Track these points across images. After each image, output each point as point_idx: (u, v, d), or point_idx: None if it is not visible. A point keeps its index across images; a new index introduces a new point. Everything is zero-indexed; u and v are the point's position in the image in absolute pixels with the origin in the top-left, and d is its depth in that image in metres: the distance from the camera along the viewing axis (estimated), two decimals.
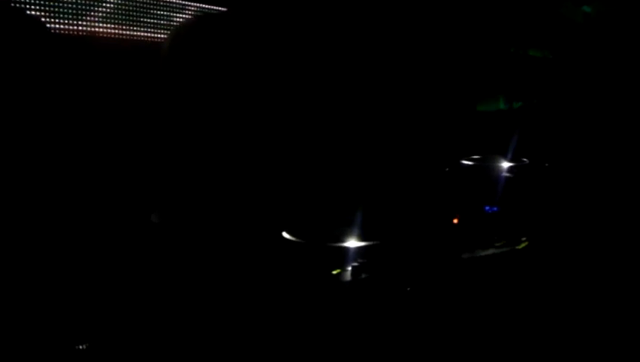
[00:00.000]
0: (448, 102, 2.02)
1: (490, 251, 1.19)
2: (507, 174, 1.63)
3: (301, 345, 0.99)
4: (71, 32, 1.48)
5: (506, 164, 1.67)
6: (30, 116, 1.31)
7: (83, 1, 1.49)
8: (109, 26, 1.54)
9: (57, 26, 1.45)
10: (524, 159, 1.72)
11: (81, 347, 1.00)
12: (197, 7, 1.75)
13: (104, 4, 1.52)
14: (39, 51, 1.36)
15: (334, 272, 1.06)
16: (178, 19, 1.70)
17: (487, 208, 1.44)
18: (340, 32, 1.79)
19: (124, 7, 1.57)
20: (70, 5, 1.46)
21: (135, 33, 1.63)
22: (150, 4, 1.64)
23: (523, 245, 1.24)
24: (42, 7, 1.42)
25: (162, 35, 1.67)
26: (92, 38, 1.51)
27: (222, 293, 1.08)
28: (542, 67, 2.21)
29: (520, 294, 1.16)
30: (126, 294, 1.13)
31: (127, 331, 1.06)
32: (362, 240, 1.14)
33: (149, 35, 1.66)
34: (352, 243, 1.13)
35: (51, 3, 1.43)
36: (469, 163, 1.69)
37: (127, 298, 1.12)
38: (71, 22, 1.47)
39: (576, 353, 1.11)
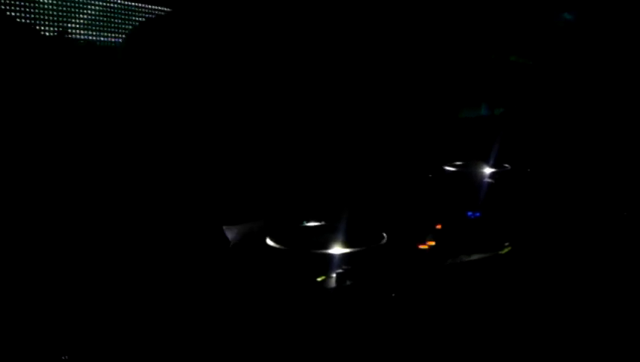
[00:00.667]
0: (430, 109, 2.03)
1: (474, 256, 1.19)
2: (489, 180, 1.64)
3: (286, 353, 0.99)
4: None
5: (488, 170, 1.68)
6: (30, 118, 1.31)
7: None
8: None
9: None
10: (506, 165, 1.73)
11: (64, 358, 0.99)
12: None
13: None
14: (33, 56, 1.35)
15: (319, 279, 1.06)
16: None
17: (469, 214, 1.45)
18: (321, 36, 1.80)
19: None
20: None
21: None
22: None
23: (506, 250, 1.25)
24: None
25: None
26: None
27: (206, 301, 1.07)
28: (523, 73, 2.23)
29: (503, 299, 1.16)
30: (110, 301, 1.12)
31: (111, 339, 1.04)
32: (346, 246, 1.14)
33: None
34: (337, 249, 1.13)
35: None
36: (452, 169, 1.70)
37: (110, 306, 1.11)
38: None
39: (560, 360, 1.12)
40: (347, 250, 1.12)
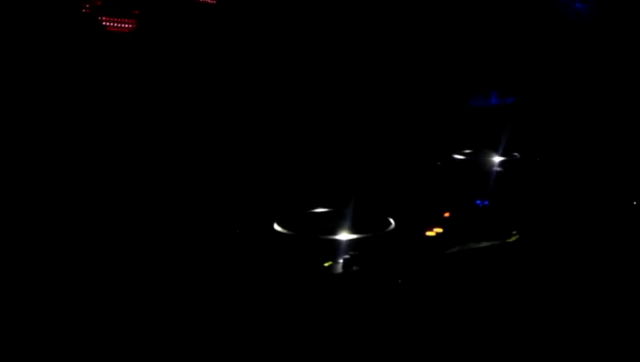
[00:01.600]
0: (441, 97, 2.02)
1: (482, 244, 1.19)
2: (498, 168, 1.64)
3: (292, 337, 0.99)
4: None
5: (497, 159, 1.67)
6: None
7: None
8: None
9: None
10: (516, 153, 1.73)
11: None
12: None
13: None
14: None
15: (326, 265, 1.06)
16: None
17: (478, 202, 1.45)
18: (332, 25, 1.79)
19: None
20: None
21: None
22: None
23: (514, 238, 1.24)
24: None
25: None
26: None
27: (214, 286, 1.07)
28: (535, 62, 2.21)
29: (510, 287, 1.16)
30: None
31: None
32: (354, 232, 1.14)
33: None
34: (344, 235, 1.13)
35: None
36: (461, 157, 1.69)
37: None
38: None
39: (567, 348, 1.12)
40: (354, 236, 1.13)
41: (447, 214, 1.37)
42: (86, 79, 1.45)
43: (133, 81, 1.54)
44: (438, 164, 1.69)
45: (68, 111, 1.43)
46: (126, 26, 1.57)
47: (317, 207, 1.31)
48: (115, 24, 1.55)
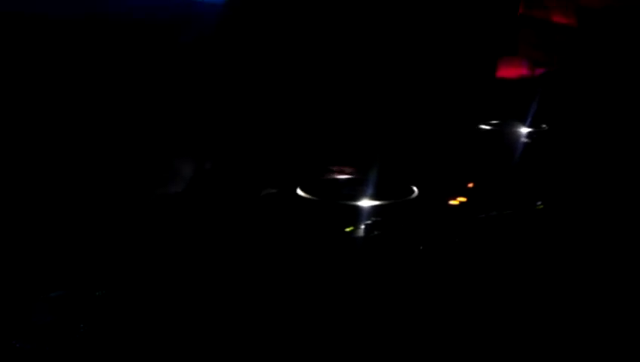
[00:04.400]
0: (469, 67, 2.00)
1: (505, 212, 1.18)
2: (526, 139, 1.62)
3: (313, 303, 1.00)
4: None
5: (524, 130, 1.65)
6: None
7: None
8: None
9: None
10: (544, 125, 1.71)
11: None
12: None
13: None
14: None
15: (347, 230, 1.07)
16: None
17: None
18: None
19: None
20: None
21: None
22: None
23: (539, 208, 1.24)
24: None
25: None
26: None
27: (235, 252, 1.09)
28: (565, 34, 2.17)
29: (531, 259, 1.15)
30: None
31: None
32: (376, 199, 1.14)
33: None
34: (366, 202, 1.13)
35: None
36: (488, 128, 1.68)
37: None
38: None
39: (584, 319, 1.11)
40: (377, 203, 1.13)
41: (471, 185, 1.36)
42: None
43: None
44: (465, 133, 1.68)
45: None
46: None
47: (341, 173, 1.32)
48: None
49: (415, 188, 1.22)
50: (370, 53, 1.76)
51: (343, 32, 1.72)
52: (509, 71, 2.11)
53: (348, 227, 1.07)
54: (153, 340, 0.94)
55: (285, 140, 1.53)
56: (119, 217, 1.25)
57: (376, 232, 1.05)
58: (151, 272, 1.08)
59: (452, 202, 1.24)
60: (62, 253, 1.12)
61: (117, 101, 1.43)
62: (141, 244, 1.15)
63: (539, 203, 1.25)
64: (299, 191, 1.19)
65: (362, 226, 1.06)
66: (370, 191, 1.18)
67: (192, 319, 0.99)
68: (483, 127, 1.68)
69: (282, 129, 1.56)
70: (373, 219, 1.07)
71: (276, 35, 1.62)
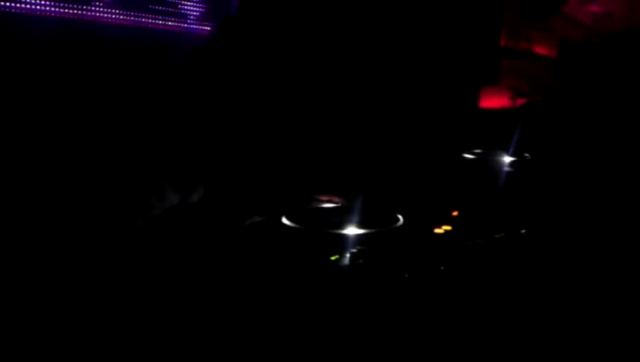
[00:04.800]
0: (452, 98, 2.02)
1: (489, 240, 1.19)
2: (509, 168, 1.63)
3: (298, 331, 1.00)
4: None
5: (507, 159, 1.67)
6: None
7: None
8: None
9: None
10: (526, 154, 1.72)
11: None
12: None
13: None
14: None
15: (333, 258, 1.07)
16: None
17: (486, 202, 1.45)
18: (337, 24, 1.79)
19: None
20: None
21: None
22: None
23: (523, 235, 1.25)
24: None
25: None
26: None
27: (221, 277, 1.08)
28: (547, 65, 2.21)
29: (515, 285, 1.16)
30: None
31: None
32: (362, 227, 1.14)
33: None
34: (352, 230, 1.13)
35: None
36: (471, 156, 1.69)
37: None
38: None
39: (572, 341, 1.12)
40: (362, 231, 1.13)
41: (455, 213, 1.37)
42: None
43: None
44: (448, 163, 1.69)
45: None
46: None
47: (326, 202, 1.32)
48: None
49: (400, 217, 1.22)
50: (355, 84, 1.78)
51: (324, 64, 1.74)
52: (491, 101, 2.15)
53: (333, 255, 1.07)
54: None
55: (270, 169, 1.53)
56: (100, 246, 1.24)
57: (361, 260, 1.05)
58: (137, 298, 1.07)
59: (437, 230, 1.24)
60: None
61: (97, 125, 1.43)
62: (125, 272, 1.14)
63: (523, 230, 1.26)
64: (284, 220, 1.19)
65: (347, 254, 1.06)
66: (355, 219, 1.18)
67: (179, 346, 0.98)
68: (467, 156, 1.70)
69: (267, 157, 1.56)
70: (359, 247, 1.07)
71: (263, 65, 1.64)
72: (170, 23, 1.63)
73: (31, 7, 1.37)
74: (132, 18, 1.54)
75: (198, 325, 1.02)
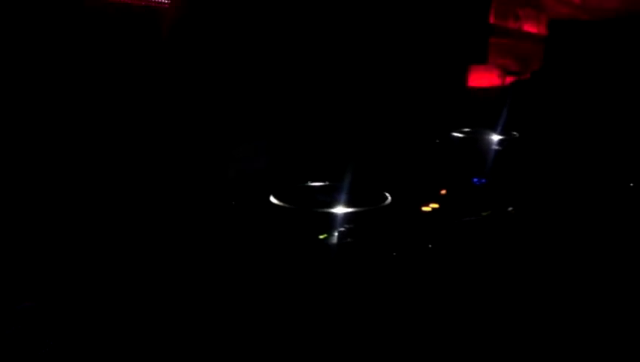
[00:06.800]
0: (440, 76, 2.02)
1: (477, 218, 1.20)
2: (497, 147, 1.64)
3: (287, 310, 1.00)
4: None
5: (496, 137, 1.67)
6: None
7: None
8: None
9: None
10: (515, 133, 1.73)
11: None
12: None
13: None
14: None
15: (321, 237, 1.07)
16: None
17: (475, 180, 1.45)
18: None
19: None
20: None
21: None
22: None
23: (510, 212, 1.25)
24: None
25: None
26: None
27: (210, 257, 1.08)
28: (536, 43, 2.21)
29: (504, 262, 1.17)
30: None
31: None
32: (350, 206, 1.14)
33: None
34: (340, 209, 1.13)
35: None
36: (460, 135, 1.70)
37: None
38: None
39: (559, 319, 1.13)
40: (350, 210, 1.13)
41: (443, 191, 1.37)
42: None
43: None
44: (437, 141, 1.69)
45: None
46: None
47: (315, 181, 1.32)
48: None
49: (388, 195, 1.22)
50: (343, 63, 1.77)
51: (316, 41, 1.73)
52: (480, 79, 2.14)
53: (322, 234, 1.07)
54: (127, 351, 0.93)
55: (258, 148, 1.53)
56: (91, 227, 1.23)
57: (349, 239, 1.05)
58: (126, 281, 1.07)
59: (425, 209, 1.24)
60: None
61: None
62: (115, 254, 1.14)
63: (510, 208, 1.27)
64: (272, 199, 1.18)
65: (336, 233, 1.06)
66: (343, 198, 1.18)
67: (167, 327, 0.98)
68: (455, 134, 1.70)
69: (255, 137, 1.55)
70: (347, 226, 1.08)
71: (250, 40, 1.63)
72: None
73: None
74: None
75: (188, 304, 1.03)
